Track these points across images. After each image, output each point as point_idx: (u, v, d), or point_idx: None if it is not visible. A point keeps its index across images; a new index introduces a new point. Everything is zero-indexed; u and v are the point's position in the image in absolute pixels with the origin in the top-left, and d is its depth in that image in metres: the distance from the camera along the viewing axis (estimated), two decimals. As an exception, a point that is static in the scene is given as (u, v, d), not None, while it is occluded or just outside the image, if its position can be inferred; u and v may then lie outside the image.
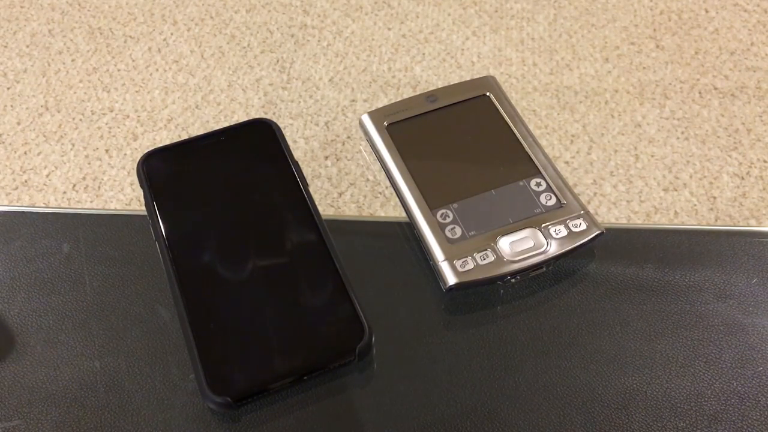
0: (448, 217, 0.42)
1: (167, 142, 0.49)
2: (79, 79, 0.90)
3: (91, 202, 0.79)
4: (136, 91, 0.89)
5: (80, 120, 0.86)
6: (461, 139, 0.46)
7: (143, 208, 0.42)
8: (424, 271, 0.42)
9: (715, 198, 0.76)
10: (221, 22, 0.96)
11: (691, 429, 0.36)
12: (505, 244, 0.41)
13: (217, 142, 0.44)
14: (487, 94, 0.48)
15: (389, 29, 0.94)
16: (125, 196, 0.79)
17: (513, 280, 0.41)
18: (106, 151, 0.83)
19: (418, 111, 0.47)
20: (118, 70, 0.91)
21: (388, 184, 0.45)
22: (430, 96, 0.48)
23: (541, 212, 0.42)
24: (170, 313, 0.40)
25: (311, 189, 0.43)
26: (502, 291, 0.41)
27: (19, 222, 0.44)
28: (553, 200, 0.43)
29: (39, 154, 0.83)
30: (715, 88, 0.85)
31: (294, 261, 0.40)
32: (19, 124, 0.86)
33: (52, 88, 0.89)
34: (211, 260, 0.39)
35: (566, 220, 0.42)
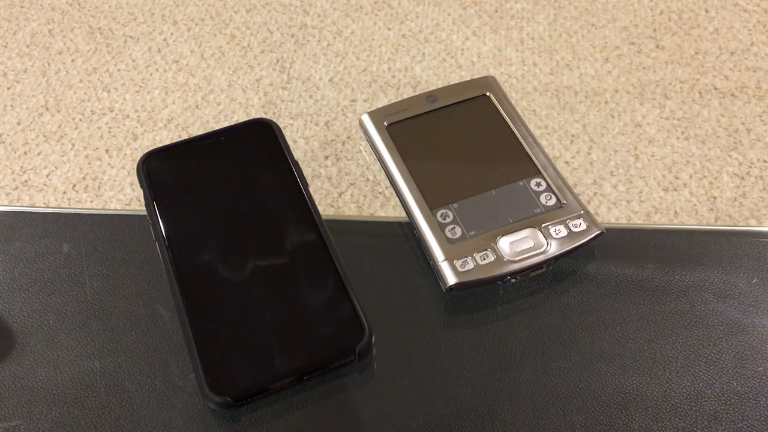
0: (448, 217, 0.42)
1: (167, 142, 0.49)
2: (79, 79, 0.90)
3: (91, 202, 0.79)
4: (136, 91, 0.89)
5: (80, 120, 0.86)
6: (461, 139, 0.46)
7: (143, 208, 0.42)
8: (424, 271, 0.42)
9: (715, 198, 0.76)
10: (221, 22, 0.96)
11: (691, 429, 0.36)
12: (505, 244, 0.41)
13: (217, 142, 0.44)
14: (487, 94, 0.48)
15: (389, 29, 0.93)
16: (125, 196, 0.79)
17: (513, 280, 0.41)
18: (106, 151, 0.83)
19: (418, 111, 0.47)
20: (118, 70, 0.91)
21: (388, 184, 0.45)
22: (430, 96, 0.48)
23: (541, 212, 0.42)
24: (170, 313, 0.40)
25: (311, 189, 0.43)
26: (502, 291, 0.41)
27: (19, 222, 0.44)
28: (553, 200, 0.43)
29: (39, 154, 0.83)
30: (715, 88, 0.85)
31: (294, 261, 0.39)
32: (19, 124, 0.86)
33: (52, 88, 0.89)
34: (211, 260, 0.39)
35: (566, 220, 0.42)
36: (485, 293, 0.41)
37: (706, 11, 0.94)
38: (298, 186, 0.42)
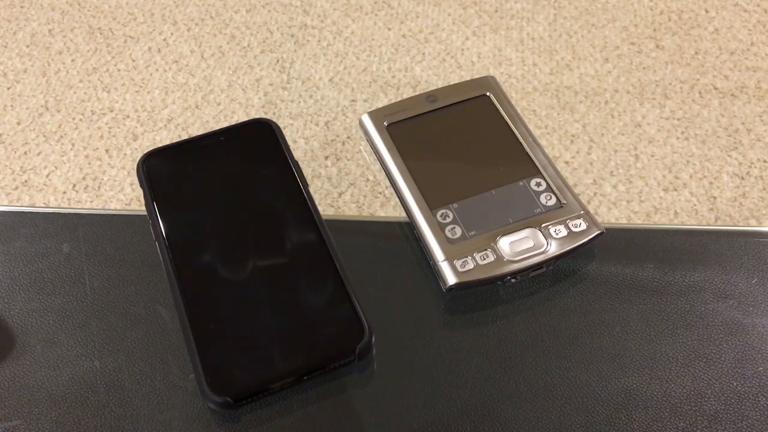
0: (448, 217, 0.42)
1: (167, 142, 0.49)
2: (79, 79, 0.90)
3: (91, 202, 0.79)
4: (136, 91, 0.89)
5: (80, 120, 0.86)
6: (461, 139, 0.46)
7: (143, 208, 0.42)
8: (424, 271, 0.42)
9: (715, 198, 0.76)
10: (221, 22, 0.96)
11: (691, 429, 0.36)
12: (505, 244, 0.41)
13: (217, 142, 0.44)
14: (487, 94, 0.48)
15: (389, 29, 0.94)
16: (125, 196, 0.79)
17: (513, 280, 0.41)
18: (106, 151, 0.83)
19: (418, 111, 0.47)
20: (118, 70, 0.91)
21: (388, 184, 0.45)
22: (430, 96, 0.48)
23: (541, 212, 0.42)
24: (170, 313, 0.40)
25: (311, 189, 0.43)
26: (502, 291, 0.41)
27: (19, 222, 0.44)
28: (553, 200, 0.43)
29: (39, 154, 0.83)
30: (715, 88, 0.85)
31: (294, 261, 0.39)
32: (19, 124, 0.86)
33: (52, 88, 0.89)
34: (211, 260, 0.39)
35: (566, 220, 0.42)
36: (485, 293, 0.41)
37: (706, 11, 0.94)
38: (298, 186, 0.42)
